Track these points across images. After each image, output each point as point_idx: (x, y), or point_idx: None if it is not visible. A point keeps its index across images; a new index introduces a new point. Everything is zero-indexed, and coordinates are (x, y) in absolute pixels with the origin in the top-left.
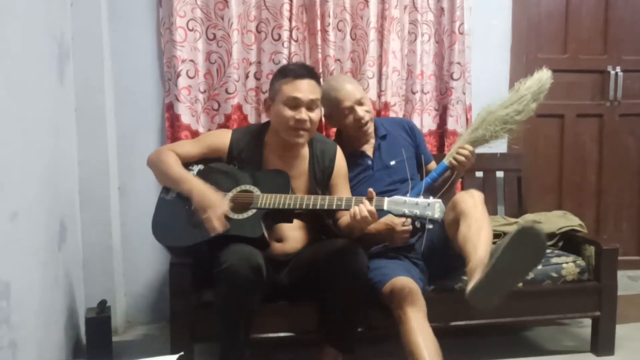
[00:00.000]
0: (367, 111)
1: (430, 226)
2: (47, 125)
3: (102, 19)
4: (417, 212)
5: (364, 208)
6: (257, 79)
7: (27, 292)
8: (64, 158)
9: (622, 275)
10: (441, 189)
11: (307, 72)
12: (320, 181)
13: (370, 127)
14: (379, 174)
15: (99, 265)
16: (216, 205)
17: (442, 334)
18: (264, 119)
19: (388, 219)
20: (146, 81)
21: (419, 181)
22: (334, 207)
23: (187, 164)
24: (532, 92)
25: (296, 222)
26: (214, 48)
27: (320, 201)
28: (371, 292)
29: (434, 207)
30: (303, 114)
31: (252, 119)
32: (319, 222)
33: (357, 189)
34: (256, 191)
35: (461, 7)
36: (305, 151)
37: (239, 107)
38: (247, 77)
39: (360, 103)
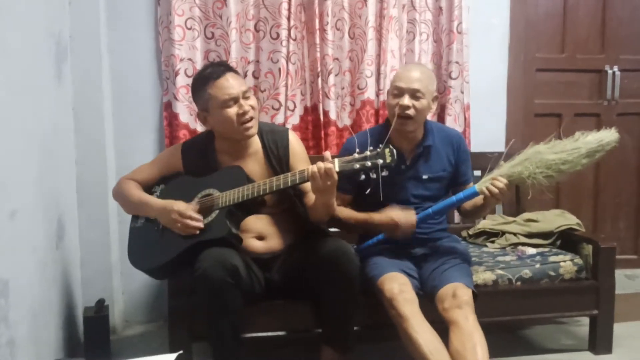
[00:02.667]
0: (415, 107)
1: (385, 173)
2: (45, 124)
3: (101, 17)
4: (368, 163)
5: (322, 164)
6: (256, 77)
7: (26, 291)
8: (62, 157)
9: (619, 274)
10: (472, 217)
11: (224, 67)
12: (280, 171)
13: (410, 127)
14: (407, 182)
15: (96, 264)
16: (173, 207)
17: (441, 334)
18: (263, 117)
19: (394, 214)
20: (144, 80)
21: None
22: (289, 184)
23: (149, 186)
24: (588, 148)
25: (271, 218)
26: (212, 47)
27: (275, 182)
28: (368, 286)
29: (384, 154)
30: (245, 106)
31: None
32: (297, 215)
33: (383, 189)
34: (215, 192)
35: (459, 6)
36: (257, 145)
37: None
38: (245, 76)
39: (414, 96)
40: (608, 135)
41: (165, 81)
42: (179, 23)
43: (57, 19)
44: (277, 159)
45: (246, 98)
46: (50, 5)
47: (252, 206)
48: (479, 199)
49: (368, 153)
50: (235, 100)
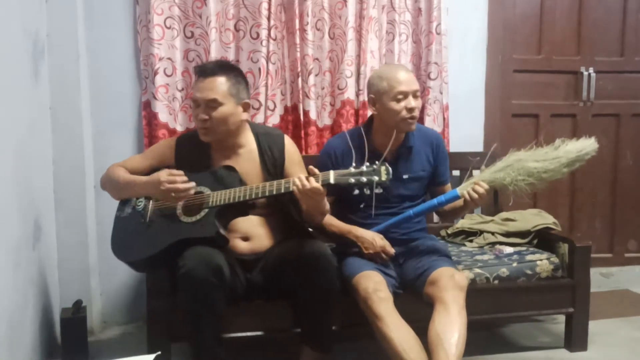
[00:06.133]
0: (418, 107)
1: (378, 190)
2: (22, 124)
3: (78, 15)
4: (364, 179)
5: (306, 181)
6: None
7: (1, 292)
8: (39, 157)
9: (594, 272)
10: (450, 218)
11: (212, 69)
12: (274, 174)
13: (414, 126)
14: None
15: (74, 264)
16: (160, 178)
17: (418, 332)
18: None
19: (377, 236)
20: (123, 79)
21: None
22: (283, 191)
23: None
24: (568, 158)
25: (258, 219)
26: (191, 46)
27: (268, 187)
28: (344, 285)
29: (380, 171)
30: (201, 113)
31: None
32: (285, 217)
33: (375, 203)
34: (207, 191)
35: (438, 7)
36: (252, 146)
37: None
38: None
39: (415, 95)
40: (588, 145)
41: (144, 80)
42: (158, 22)
43: (34, 17)
44: (272, 161)
45: (212, 108)
46: (27, 2)
47: (242, 208)
48: (458, 201)
49: (364, 168)
50: (197, 104)
